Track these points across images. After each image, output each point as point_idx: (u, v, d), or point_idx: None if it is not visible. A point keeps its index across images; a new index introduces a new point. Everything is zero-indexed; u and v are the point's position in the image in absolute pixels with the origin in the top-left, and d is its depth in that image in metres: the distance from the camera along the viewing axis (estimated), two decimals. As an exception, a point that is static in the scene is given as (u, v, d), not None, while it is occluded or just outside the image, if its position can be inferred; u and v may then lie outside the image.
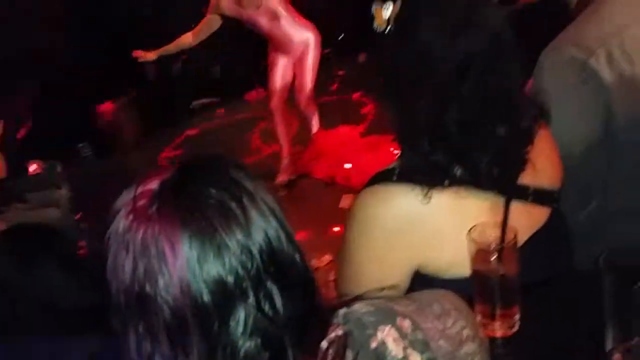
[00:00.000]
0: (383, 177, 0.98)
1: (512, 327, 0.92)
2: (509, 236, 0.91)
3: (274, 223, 0.65)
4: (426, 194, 0.92)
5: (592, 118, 1.22)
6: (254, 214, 0.63)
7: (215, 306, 0.60)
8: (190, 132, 5.42)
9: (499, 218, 0.94)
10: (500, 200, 0.95)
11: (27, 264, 1.31)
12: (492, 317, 0.92)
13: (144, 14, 5.17)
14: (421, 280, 1.00)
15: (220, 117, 5.63)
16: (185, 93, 5.75)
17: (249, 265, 0.61)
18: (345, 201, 3.75)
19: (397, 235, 0.96)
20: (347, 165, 3.95)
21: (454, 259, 0.95)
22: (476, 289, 0.92)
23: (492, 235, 0.92)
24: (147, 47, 3.92)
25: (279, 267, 0.64)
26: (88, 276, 1.33)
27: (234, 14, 3.66)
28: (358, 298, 0.69)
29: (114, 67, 5.07)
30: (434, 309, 0.72)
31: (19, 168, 3.56)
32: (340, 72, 5.59)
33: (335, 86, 5.47)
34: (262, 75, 4.12)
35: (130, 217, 0.62)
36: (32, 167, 3.51)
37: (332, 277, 0.89)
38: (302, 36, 3.80)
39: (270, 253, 0.63)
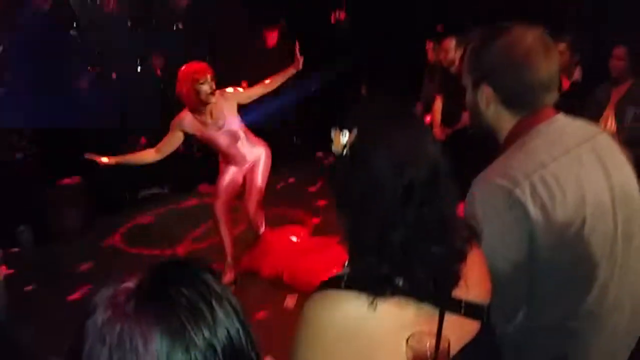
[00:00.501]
0: (332, 284, 1.04)
1: None
2: (443, 345, 0.97)
3: (236, 323, 0.71)
4: (372, 302, 0.98)
5: (516, 241, 1.31)
6: (220, 314, 0.70)
7: None
8: (140, 219, 5.36)
9: (434, 328, 1.00)
10: (435, 312, 1.01)
11: None
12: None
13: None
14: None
15: (168, 204, 5.61)
16: (133, 181, 5.73)
17: None
18: (289, 301, 3.75)
19: (344, 342, 1.00)
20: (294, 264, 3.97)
21: None
22: (413, 394, 0.96)
23: (427, 343, 0.97)
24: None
25: None
26: None
27: (195, 132, 3.76)
28: None
29: (63, 150, 5.06)
30: None
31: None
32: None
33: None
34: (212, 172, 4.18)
35: (109, 312, 0.67)
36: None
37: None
38: (255, 153, 3.97)
39: (232, 351, 0.69)
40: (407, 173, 1.01)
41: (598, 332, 1.40)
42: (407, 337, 0.97)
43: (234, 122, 3.82)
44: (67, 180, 5.11)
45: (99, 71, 5.69)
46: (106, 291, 0.70)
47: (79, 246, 4.87)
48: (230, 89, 3.87)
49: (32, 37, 4.89)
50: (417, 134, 1.08)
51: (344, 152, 1.06)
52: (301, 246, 4.25)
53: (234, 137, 3.83)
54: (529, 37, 1.39)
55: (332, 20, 7.11)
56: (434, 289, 1.03)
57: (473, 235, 1.15)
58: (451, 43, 4.67)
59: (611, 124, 3.89)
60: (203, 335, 0.67)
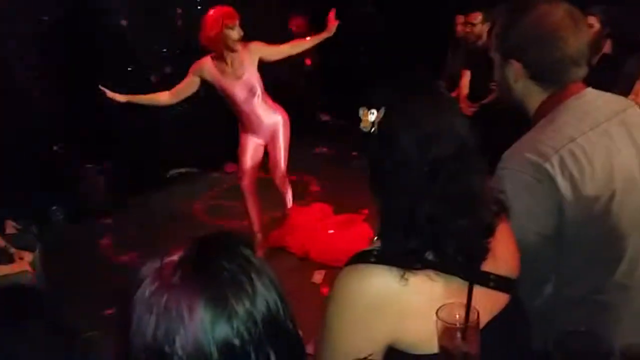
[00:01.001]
0: (363, 258, 1.07)
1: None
2: (472, 317, 0.98)
3: (274, 295, 0.75)
4: (402, 276, 1.01)
5: (545, 215, 1.32)
6: (259, 286, 0.74)
7: None
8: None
9: (464, 301, 1.01)
10: (465, 285, 1.02)
11: (12, 329, 1.32)
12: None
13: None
14: (393, 356, 1.06)
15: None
16: (163, 161, 5.82)
17: (253, 331, 0.71)
18: (317, 276, 3.82)
19: (374, 312, 1.03)
20: (321, 241, 4.02)
21: (424, 336, 1.01)
22: (443, 365, 0.99)
23: (457, 315, 0.99)
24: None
25: (276, 333, 0.74)
26: (75, 339, 1.36)
27: (213, 79, 3.73)
28: None
29: (91, 133, 5.17)
30: None
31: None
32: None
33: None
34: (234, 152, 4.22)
35: (156, 283, 0.72)
36: (9, 228, 3.50)
37: (309, 350, 0.96)
38: (272, 119, 3.94)
39: (271, 321, 0.73)
40: (433, 149, 1.03)
41: (627, 305, 1.41)
42: (437, 309, 0.99)
43: (253, 76, 3.76)
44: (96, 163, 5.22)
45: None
46: (152, 264, 0.75)
47: (111, 225, 4.99)
48: (255, 42, 3.81)
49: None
50: (444, 110, 1.09)
51: (372, 131, 1.08)
52: (328, 222, 4.28)
53: (251, 92, 3.77)
54: (558, 11, 1.38)
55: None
56: (464, 262, 1.05)
57: (502, 210, 1.16)
58: (478, 17, 4.61)
59: (642, 96, 3.81)
60: (244, 305, 0.72)
